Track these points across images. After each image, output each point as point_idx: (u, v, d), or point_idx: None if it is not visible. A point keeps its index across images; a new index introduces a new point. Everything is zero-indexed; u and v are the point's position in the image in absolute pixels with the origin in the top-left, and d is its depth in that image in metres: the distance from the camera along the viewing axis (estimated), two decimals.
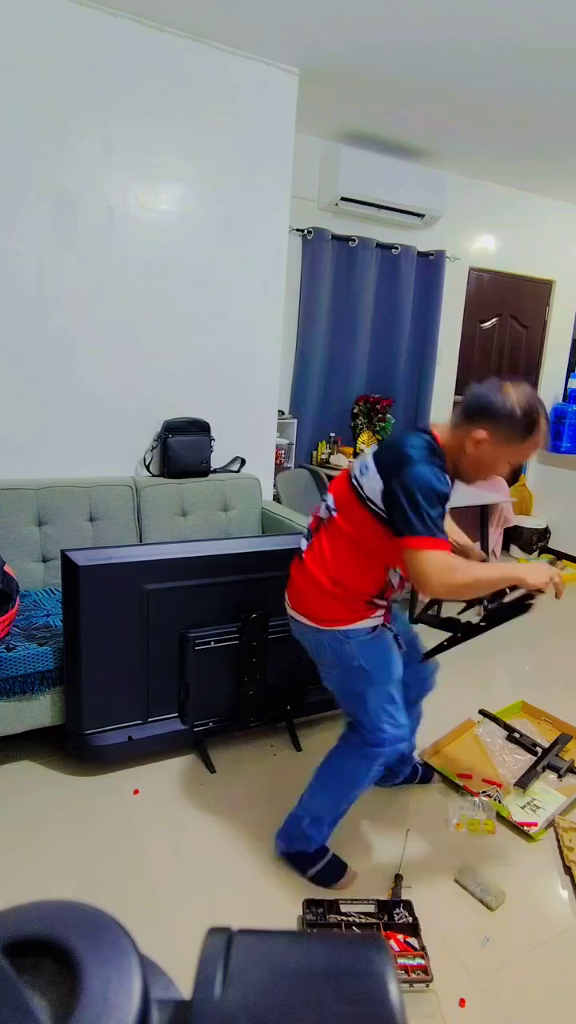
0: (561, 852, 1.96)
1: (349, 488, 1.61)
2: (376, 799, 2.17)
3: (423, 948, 1.57)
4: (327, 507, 1.68)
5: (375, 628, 1.68)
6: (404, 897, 1.73)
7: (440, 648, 1.97)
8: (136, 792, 2.11)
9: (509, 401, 1.48)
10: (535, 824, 2.05)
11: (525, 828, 2.03)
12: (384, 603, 1.70)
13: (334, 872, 1.80)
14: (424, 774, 2.24)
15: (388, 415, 4.20)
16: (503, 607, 1.85)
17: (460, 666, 3.18)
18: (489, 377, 1.57)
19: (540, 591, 1.58)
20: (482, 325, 4.71)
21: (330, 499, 1.68)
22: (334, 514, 1.64)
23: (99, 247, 2.73)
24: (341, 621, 1.65)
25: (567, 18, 2.37)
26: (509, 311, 4.80)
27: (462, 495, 3.58)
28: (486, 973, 1.56)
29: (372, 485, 1.54)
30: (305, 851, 1.80)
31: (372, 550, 1.59)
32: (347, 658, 1.66)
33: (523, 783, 2.22)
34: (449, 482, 1.55)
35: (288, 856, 1.83)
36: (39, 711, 2.14)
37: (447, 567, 1.46)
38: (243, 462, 3.26)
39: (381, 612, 1.71)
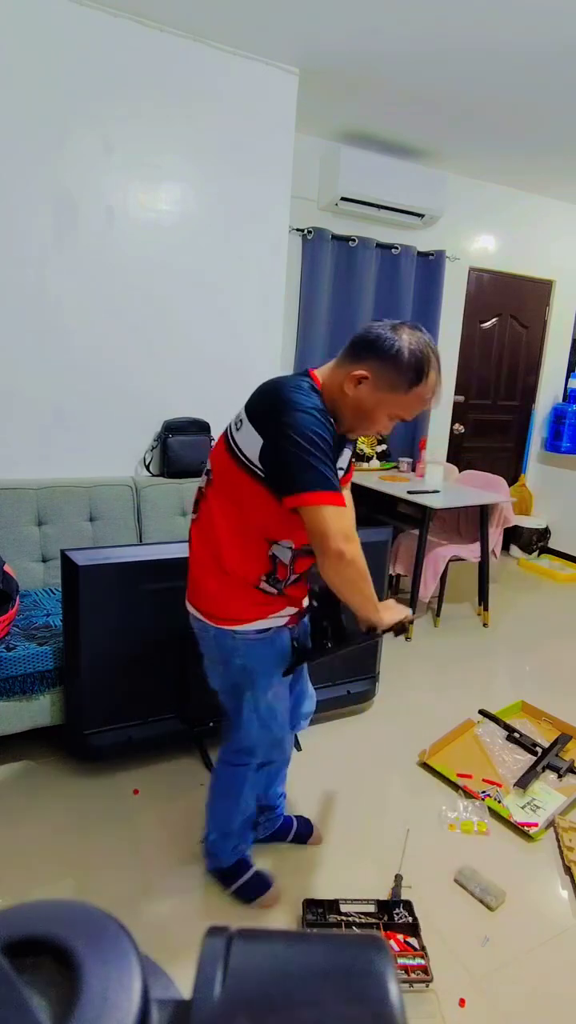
0: (561, 852, 1.96)
1: (225, 449, 1.40)
2: (376, 799, 2.17)
3: (423, 948, 1.57)
4: (206, 472, 1.48)
5: (267, 630, 1.50)
6: (404, 897, 1.73)
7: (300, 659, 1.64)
8: (136, 792, 2.11)
9: (399, 342, 1.31)
10: (535, 824, 2.05)
11: (525, 828, 2.03)
12: (277, 593, 1.48)
13: (254, 889, 1.73)
14: (300, 829, 1.94)
15: None
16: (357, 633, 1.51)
17: (460, 666, 3.19)
18: (407, 323, 1.38)
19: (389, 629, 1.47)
20: (482, 325, 4.71)
21: (208, 464, 1.48)
22: (212, 477, 1.45)
23: (99, 247, 2.73)
24: (236, 620, 1.47)
25: (567, 18, 2.37)
26: (509, 311, 4.80)
27: (461, 495, 3.59)
28: (486, 973, 1.56)
29: (248, 442, 1.34)
30: (221, 867, 1.75)
31: (253, 520, 1.39)
32: (231, 653, 1.51)
33: (523, 783, 2.22)
34: (334, 430, 1.35)
35: (212, 872, 1.77)
36: (39, 711, 2.14)
37: (350, 532, 1.29)
38: None
39: (284, 614, 1.52)
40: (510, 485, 4.67)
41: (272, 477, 1.32)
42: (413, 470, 4.07)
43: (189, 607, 1.58)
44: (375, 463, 4.13)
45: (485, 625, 3.66)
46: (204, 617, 1.52)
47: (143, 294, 2.86)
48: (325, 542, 1.27)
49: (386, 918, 1.66)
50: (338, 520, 1.27)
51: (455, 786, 2.22)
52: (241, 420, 1.37)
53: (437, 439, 4.62)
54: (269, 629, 1.50)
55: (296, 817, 1.97)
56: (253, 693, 1.53)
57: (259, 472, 1.33)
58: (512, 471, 5.14)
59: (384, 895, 1.76)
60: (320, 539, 1.28)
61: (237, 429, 1.38)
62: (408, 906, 1.69)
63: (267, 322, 3.19)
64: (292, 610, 1.53)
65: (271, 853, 1.89)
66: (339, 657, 1.60)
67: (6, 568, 2.24)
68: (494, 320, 4.75)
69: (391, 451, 4.30)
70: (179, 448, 2.97)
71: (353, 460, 1.69)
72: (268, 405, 1.33)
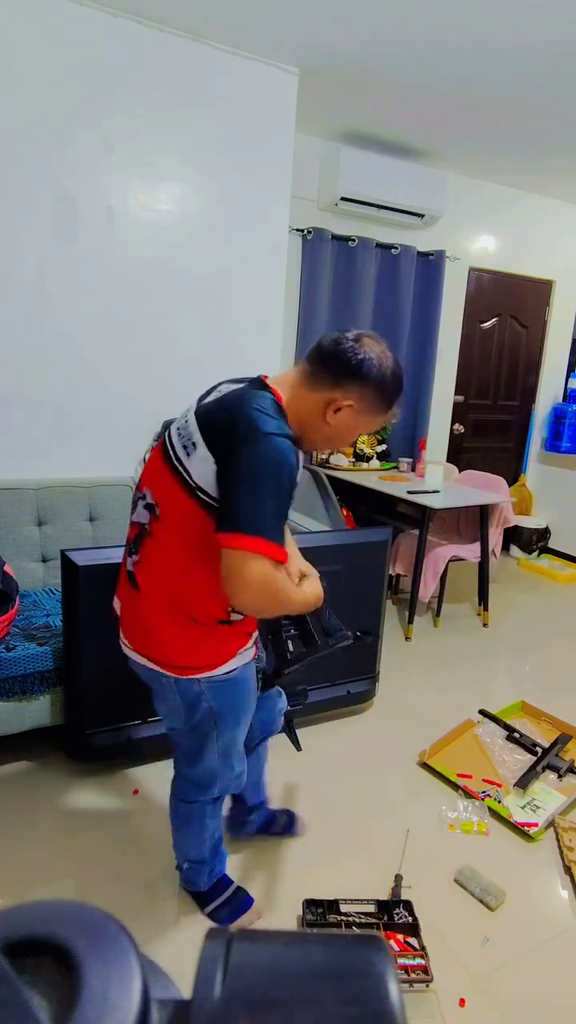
0: (561, 852, 1.96)
1: (171, 475, 1.24)
2: (376, 799, 2.17)
3: (423, 948, 1.57)
4: (146, 506, 1.31)
5: (235, 669, 1.40)
6: (404, 897, 1.73)
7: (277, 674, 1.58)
8: (136, 792, 2.11)
9: (381, 364, 1.23)
10: (535, 824, 2.05)
11: (525, 828, 2.03)
12: (242, 623, 1.37)
13: (232, 910, 1.67)
14: (288, 824, 1.94)
15: None
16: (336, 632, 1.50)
17: (460, 666, 3.19)
18: (351, 332, 1.27)
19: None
20: (482, 325, 4.71)
21: (148, 496, 1.30)
22: (157, 512, 1.27)
23: (99, 247, 2.73)
24: (203, 667, 1.35)
25: (567, 19, 2.37)
26: (509, 311, 4.80)
27: (461, 495, 3.59)
28: (486, 973, 1.56)
29: (203, 470, 1.18)
30: (197, 890, 1.68)
31: (214, 552, 1.16)
32: (196, 699, 1.38)
33: (523, 783, 2.22)
34: (300, 461, 1.23)
35: (187, 893, 1.71)
36: (39, 711, 2.14)
37: (272, 581, 1.13)
38: None
39: (250, 646, 1.43)
40: (510, 485, 4.67)
41: (219, 506, 1.16)
42: (413, 470, 4.07)
43: (136, 656, 1.39)
44: (375, 463, 4.13)
45: (485, 625, 3.66)
46: (162, 668, 1.35)
47: (143, 294, 2.86)
48: (235, 593, 1.14)
49: (386, 918, 1.66)
50: (263, 571, 1.11)
51: (455, 786, 2.22)
52: (195, 444, 1.20)
53: (437, 439, 4.62)
54: (236, 668, 1.40)
55: (281, 810, 1.97)
56: (217, 732, 1.44)
57: (214, 504, 1.17)
58: (512, 471, 5.14)
59: (384, 895, 1.76)
60: (232, 588, 1.13)
61: (187, 454, 1.21)
62: (408, 906, 1.69)
63: (267, 322, 3.19)
64: (254, 635, 1.45)
65: (270, 853, 1.89)
66: (304, 667, 1.52)
67: (6, 568, 2.24)
68: (494, 320, 4.75)
69: (391, 451, 4.30)
70: None
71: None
72: (228, 425, 1.15)
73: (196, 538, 1.23)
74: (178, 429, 1.27)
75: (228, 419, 1.16)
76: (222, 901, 1.67)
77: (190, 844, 1.62)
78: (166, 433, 1.32)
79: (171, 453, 1.26)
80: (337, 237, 3.91)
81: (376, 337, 1.29)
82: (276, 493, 1.12)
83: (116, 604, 1.47)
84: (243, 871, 1.83)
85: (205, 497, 1.19)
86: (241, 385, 1.26)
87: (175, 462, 1.24)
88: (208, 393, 1.32)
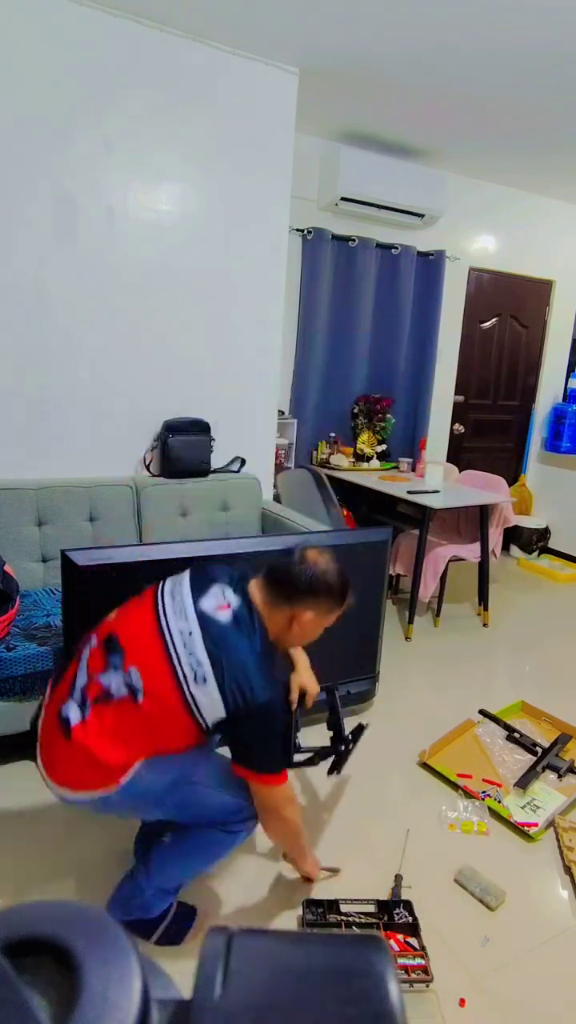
0: (561, 852, 1.96)
1: (175, 691, 1.34)
2: (376, 799, 2.17)
3: (423, 948, 1.57)
4: (127, 684, 1.36)
5: None
6: (404, 897, 1.73)
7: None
8: None
9: (329, 575, 1.48)
10: (535, 824, 2.05)
11: (525, 828, 2.03)
12: None
13: (181, 928, 1.61)
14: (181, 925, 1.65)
15: (388, 415, 4.20)
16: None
17: (460, 666, 3.19)
18: (295, 552, 1.51)
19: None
20: (482, 325, 4.71)
21: (135, 676, 1.35)
22: (140, 699, 1.34)
23: (99, 247, 2.73)
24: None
25: (567, 19, 2.37)
26: (509, 311, 4.80)
27: (461, 495, 3.59)
28: (486, 973, 1.56)
29: (211, 705, 1.34)
30: (145, 918, 1.57)
31: (163, 744, 1.38)
32: (151, 786, 1.39)
33: (523, 783, 2.22)
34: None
35: (127, 924, 1.54)
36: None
37: (290, 799, 1.47)
38: (243, 462, 3.26)
39: None
40: (510, 485, 4.67)
41: (235, 747, 1.41)
42: (413, 470, 4.07)
43: (70, 793, 1.38)
44: (375, 463, 4.13)
45: (485, 625, 3.66)
46: (101, 790, 1.35)
47: (143, 294, 2.86)
48: (274, 815, 1.46)
49: (386, 918, 1.66)
50: (284, 794, 1.44)
51: (455, 786, 2.22)
52: (205, 679, 1.33)
53: (437, 439, 4.62)
54: None
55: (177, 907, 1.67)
56: (194, 780, 1.44)
57: (205, 725, 1.37)
58: (512, 471, 5.14)
59: (384, 895, 1.76)
60: (271, 813, 1.46)
61: (195, 682, 1.33)
62: (408, 906, 1.69)
63: (267, 322, 3.19)
64: None
65: (270, 852, 1.89)
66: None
67: (6, 568, 2.24)
68: (494, 320, 4.75)
69: (391, 451, 4.30)
70: (179, 448, 2.97)
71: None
72: (238, 685, 1.34)
73: (172, 735, 1.39)
74: (185, 646, 1.36)
75: (239, 679, 1.34)
76: (168, 924, 1.60)
77: (180, 873, 1.57)
78: (162, 622, 1.41)
79: (177, 667, 1.35)
80: (337, 237, 3.91)
81: (317, 548, 1.54)
82: (279, 734, 1.44)
83: (39, 731, 1.46)
84: (243, 871, 1.83)
85: (202, 720, 1.36)
86: (248, 641, 1.40)
87: (182, 681, 1.35)
88: (203, 584, 1.48)
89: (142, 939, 1.57)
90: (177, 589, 1.48)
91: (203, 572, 1.53)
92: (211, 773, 1.47)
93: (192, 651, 1.36)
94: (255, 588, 1.51)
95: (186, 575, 1.52)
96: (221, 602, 1.44)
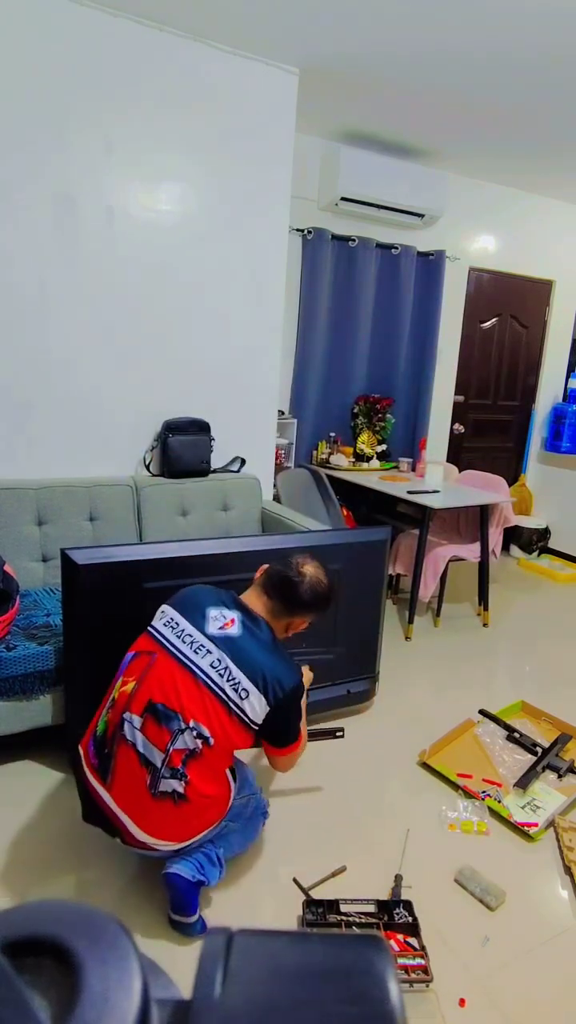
0: (561, 852, 1.96)
1: (227, 714, 1.53)
2: (376, 799, 2.17)
3: (423, 948, 1.57)
4: (198, 737, 1.51)
5: None
6: (404, 897, 1.73)
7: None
8: None
9: (321, 586, 1.69)
10: (535, 824, 2.05)
11: (525, 828, 2.03)
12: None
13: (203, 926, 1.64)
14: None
15: (388, 415, 4.20)
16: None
17: (460, 666, 3.19)
18: (293, 563, 1.71)
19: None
20: (482, 325, 4.71)
21: (199, 728, 1.51)
22: (211, 743, 1.52)
23: (99, 247, 2.73)
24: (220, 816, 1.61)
25: (567, 20, 2.37)
26: (509, 311, 4.80)
27: (461, 495, 3.59)
28: (486, 973, 1.56)
29: (258, 708, 1.54)
30: (206, 883, 1.61)
31: (228, 757, 1.61)
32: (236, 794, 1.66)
33: (523, 783, 2.22)
34: None
35: (190, 885, 1.57)
36: (39, 711, 2.14)
37: (302, 750, 1.74)
38: (243, 462, 3.26)
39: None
40: (510, 485, 4.67)
41: (268, 732, 1.61)
42: (413, 470, 4.07)
43: (185, 844, 1.57)
44: (375, 463, 4.13)
45: (485, 625, 3.66)
46: (218, 820, 1.60)
47: (143, 293, 2.86)
48: (291, 763, 1.74)
49: (386, 918, 1.66)
50: (299, 754, 1.73)
51: (455, 786, 2.22)
52: (247, 690, 1.54)
53: (437, 439, 4.62)
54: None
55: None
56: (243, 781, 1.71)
57: (254, 726, 1.56)
58: (512, 471, 5.14)
59: (384, 895, 1.76)
60: (287, 765, 1.74)
61: (240, 698, 1.54)
62: (408, 906, 1.69)
63: (267, 322, 3.19)
64: None
65: (271, 853, 1.89)
66: None
67: (6, 568, 2.24)
68: (494, 320, 4.75)
69: (391, 451, 4.30)
70: (179, 448, 2.97)
71: None
72: (272, 680, 1.56)
73: (237, 745, 1.58)
74: (223, 673, 1.55)
75: (283, 680, 1.57)
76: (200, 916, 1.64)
77: (244, 841, 1.76)
78: (186, 660, 1.57)
79: (224, 697, 1.54)
80: (337, 237, 3.92)
81: (311, 559, 1.73)
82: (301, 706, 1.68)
83: (128, 822, 1.57)
84: (243, 871, 1.83)
85: (251, 723, 1.55)
86: (262, 641, 1.61)
87: (230, 704, 1.54)
88: (196, 615, 1.64)
89: (185, 916, 1.60)
90: (178, 631, 1.63)
91: (188, 606, 1.68)
92: (244, 776, 1.73)
93: (231, 677, 1.55)
94: (252, 598, 1.71)
95: (173, 616, 1.67)
96: (224, 620, 1.62)
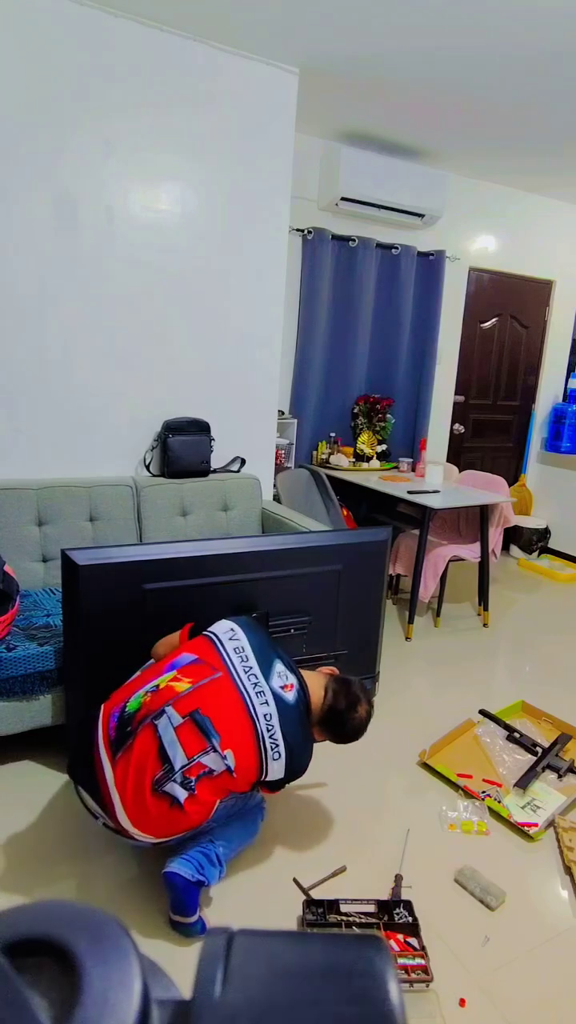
0: (561, 852, 1.96)
1: (258, 763, 1.60)
2: (376, 799, 2.17)
3: (423, 948, 1.57)
4: (225, 764, 1.56)
5: None
6: (404, 897, 1.73)
7: None
8: None
9: (361, 729, 1.80)
10: (535, 824, 2.05)
11: (525, 828, 2.03)
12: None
13: (204, 925, 1.64)
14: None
15: (388, 415, 4.20)
16: None
17: (460, 666, 3.19)
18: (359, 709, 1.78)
19: None
20: (482, 325, 4.71)
21: (231, 758, 1.56)
22: (234, 775, 1.57)
23: (99, 246, 2.73)
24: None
25: (567, 20, 2.37)
26: (509, 311, 4.80)
27: (461, 495, 3.59)
28: (486, 973, 1.56)
29: (276, 770, 1.62)
30: (206, 882, 1.61)
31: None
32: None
33: (523, 783, 2.22)
34: None
35: (191, 884, 1.58)
36: (39, 711, 2.14)
37: None
38: (243, 462, 3.26)
39: None
40: (510, 485, 4.67)
41: (268, 785, 1.65)
42: (413, 470, 4.07)
43: (165, 840, 1.59)
44: (375, 463, 4.13)
45: (485, 625, 3.66)
46: (163, 838, 1.59)
47: (143, 293, 2.86)
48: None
49: (386, 918, 1.66)
50: None
51: (455, 786, 2.22)
52: (279, 755, 1.61)
53: (437, 439, 4.62)
54: None
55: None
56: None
57: (263, 778, 1.62)
58: (512, 471, 5.14)
59: (384, 895, 1.76)
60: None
61: (273, 759, 1.60)
62: (408, 906, 1.69)
63: (267, 322, 3.19)
64: None
65: (270, 853, 1.89)
66: None
67: (6, 568, 2.24)
68: (494, 320, 4.75)
69: (391, 451, 4.30)
70: (179, 448, 2.97)
71: None
72: (297, 762, 1.65)
73: (244, 786, 1.61)
74: (266, 717, 1.61)
75: (297, 761, 1.65)
76: (199, 916, 1.63)
77: (244, 838, 1.75)
78: (247, 696, 1.62)
79: (263, 751, 1.59)
80: (337, 237, 3.92)
81: (365, 700, 1.80)
82: None
83: (126, 824, 1.57)
84: (243, 872, 1.83)
85: (264, 777, 1.61)
86: (302, 719, 1.68)
87: (263, 756, 1.60)
88: (267, 661, 1.70)
89: (184, 912, 1.60)
90: (246, 666, 1.67)
91: (257, 645, 1.72)
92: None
93: (273, 735, 1.60)
94: (313, 682, 1.76)
95: (244, 645, 1.71)
96: (285, 682, 1.68)
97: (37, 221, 2.59)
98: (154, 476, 3.01)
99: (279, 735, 1.60)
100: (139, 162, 2.74)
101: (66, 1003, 0.28)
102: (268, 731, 1.60)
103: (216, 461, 3.13)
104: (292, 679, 1.69)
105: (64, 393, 2.78)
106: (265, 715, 1.61)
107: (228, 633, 1.74)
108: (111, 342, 2.84)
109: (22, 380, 2.69)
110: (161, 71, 2.68)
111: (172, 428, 2.98)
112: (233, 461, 3.25)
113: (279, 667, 1.69)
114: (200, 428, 3.05)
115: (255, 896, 1.75)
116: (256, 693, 1.62)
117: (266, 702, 1.61)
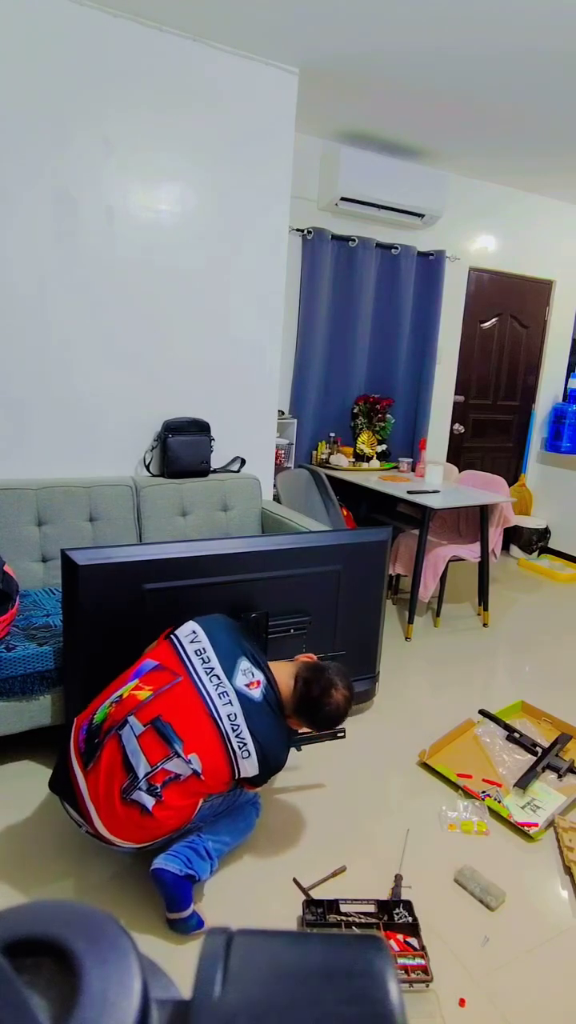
0: (561, 852, 1.96)
1: (227, 763, 1.59)
2: (376, 799, 2.17)
3: (423, 948, 1.57)
4: (191, 768, 1.55)
5: None
6: (404, 897, 1.73)
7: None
8: None
9: (339, 716, 1.74)
10: (535, 824, 2.05)
11: (525, 828, 2.03)
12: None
13: (199, 920, 1.63)
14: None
15: (388, 415, 4.20)
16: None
17: (460, 666, 3.19)
18: (332, 688, 1.73)
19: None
20: (482, 325, 4.71)
21: (196, 762, 1.55)
22: (203, 777, 1.56)
23: (99, 246, 2.73)
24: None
25: (567, 20, 2.37)
26: (509, 311, 4.80)
27: (461, 495, 3.59)
28: (486, 973, 1.56)
29: (249, 769, 1.62)
30: (197, 877, 1.61)
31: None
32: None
33: (523, 783, 2.22)
34: None
35: (181, 879, 1.58)
36: (39, 711, 2.14)
37: None
38: (243, 462, 3.26)
39: None
40: (510, 485, 4.67)
41: (246, 781, 1.66)
42: (413, 470, 4.07)
43: (144, 846, 1.61)
44: (375, 463, 4.13)
45: (485, 625, 3.66)
46: (142, 843, 1.60)
47: (143, 293, 2.86)
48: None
49: (386, 918, 1.66)
50: None
51: (455, 786, 2.22)
52: (249, 752, 1.60)
53: (437, 439, 4.62)
54: None
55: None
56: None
57: (238, 776, 1.63)
58: (512, 471, 5.14)
59: (384, 895, 1.76)
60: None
61: (242, 757, 1.60)
62: (408, 906, 1.69)
63: (267, 321, 3.19)
64: None
65: (270, 853, 1.89)
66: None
67: (6, 568, 2.23)
68: (494, 320, 4.75)
69: (391, 451, 4.30)
70: (179, 448, 2.97)
71: None
72: (271, 756, 1.65)
73: (219, 788, 1.63)
74: (235, 731, 1.60)
75: (271, 755, 1.64)
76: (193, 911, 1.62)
77: (235, 834, 1.76)
78: (208, 699, 1.61)
79: (230, 751, 1.59)
80: (337, 237, 3.91)
81: (342, 686, 1.74)
82: None
83: (98, 825, 1.59)
84: (243, 871, 1.83)
85: (238, 777, 1.62)
86: (273, 714, 1.67)
87: (232, 756, 1.60)
88: (230, 660, 1.68)
89: (178, 912, 1.60)
90: (207, 667, 1.66)
91: (221, 644, 1.71)
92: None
93: (240, 734, 1.60)
94: (281, 673, 1.74)
95: (205, 647, 1.69)
96: (251, 679, 1.67)
97: (37, 221, 2.59)
98: (154, 476, 3.01)
99: (246, 734, 1.59)
100: (139, 162, 2.74)
101: (65, 1003, 0.28)
102: (234, 731, 1.59)
103: (216, 461, 3.13)
104: (258, 675, 1.68)
105: (63, 393, 2.78)
106: (229, 715, 1.60)
107: (189, 636, 1.73)
108: (111, 342, 2.83)
109: (22, 380, 2.69)
110: (161, 71, 2.68)
111: (172, 428, 2.98)
112: (233, 461, 3.25)
113: (244, 664, 1.69)
114: (200, 428, 3.05)
115: (255, 896, 1.75)
116: (219, 694, 1.61)
117: (229, 702, 1.61)
